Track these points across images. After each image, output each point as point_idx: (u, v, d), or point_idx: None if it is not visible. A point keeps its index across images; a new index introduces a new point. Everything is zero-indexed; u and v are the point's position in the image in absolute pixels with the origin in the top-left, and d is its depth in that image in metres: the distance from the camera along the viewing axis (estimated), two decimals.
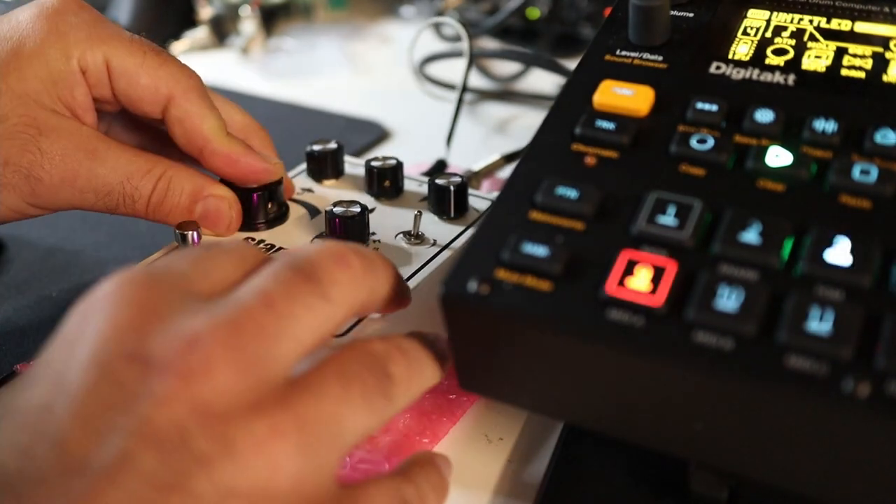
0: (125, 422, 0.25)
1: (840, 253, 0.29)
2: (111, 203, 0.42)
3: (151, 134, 0.47)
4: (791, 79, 0.37)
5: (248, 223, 0.44)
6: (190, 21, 0.86)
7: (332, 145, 0.48)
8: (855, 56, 0.37)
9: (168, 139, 0.45)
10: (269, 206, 0.44)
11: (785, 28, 0.39)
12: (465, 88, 0.62)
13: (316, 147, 0.48)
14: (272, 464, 0.26)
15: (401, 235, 0.43)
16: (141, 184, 0.41)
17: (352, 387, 0.28)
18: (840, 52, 0.38)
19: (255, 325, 0.27)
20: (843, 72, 0.37)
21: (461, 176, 0.45)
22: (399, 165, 0.47)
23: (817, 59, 0.38)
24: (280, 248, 0.42)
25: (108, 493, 0.23)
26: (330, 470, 0.27)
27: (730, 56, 0.38)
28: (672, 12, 0.40)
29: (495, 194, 0.47)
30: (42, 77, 0.41)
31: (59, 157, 0.40)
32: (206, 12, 0.85)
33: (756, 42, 0.39)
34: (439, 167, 0.58)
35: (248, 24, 0.84)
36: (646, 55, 0.39)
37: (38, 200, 0.41)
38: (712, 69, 0.38)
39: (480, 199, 0.46)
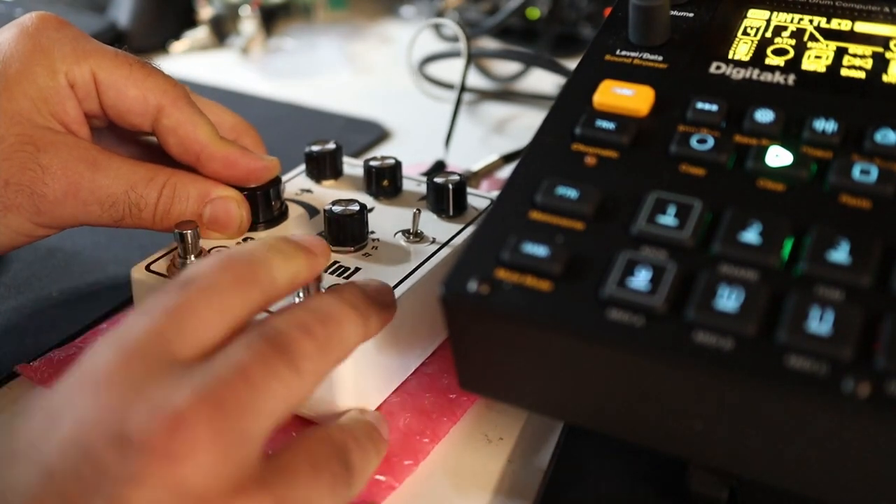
0: (102, 501, 0.25)
1: (840, 253, 0.29)
2: (117, 214, 0.41)
3: (141, 148, 0.47)
4: (791, 79, 0.37)
5: None
6: (190, 21, 0.86)
7: (331, 146, 0.48)
8: (855, 56, 0.37)
9: (158, 152, 0.45)
10: (275, 204, 0.44)
11: (785, 28, 0.39)
12: (463, 88, 0.62)
13: (315, 147, 0.48)
14: None
15: (400, 234, 0.43)
16: (146, 192, 0.41)
17: (321, 473, 0.30)
18: (840, 52, 0.38)
19: (235, 400, 0.28)
20: (843, 72, 0.37)
21: (460, 174, 0.45)
22: (398, 165, 0.47)
23: (817, 59, 0.38)
24: None
25: None
26: None
27: (730, 56, 0.38)
28: (672, 12, 0.40)
29: (495, 193, 0.47)
30: (32, 95, 0.40)
31: (60, 171, 0.40)
32: (206, 12, 0.85)
33: (756, 42, 0.39)
34: (438, 168, 0.58)
35: (248, 24, 0.84)
36: (646, 55, 0.39)
37: (44, 219, 0.41)
38: (712, 69, 0.38)
39: (479, 197, 0.46)
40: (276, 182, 0.44)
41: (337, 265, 0.41)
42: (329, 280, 0.39)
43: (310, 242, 0.35)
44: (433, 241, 0.43)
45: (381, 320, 0.35)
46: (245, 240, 0.43)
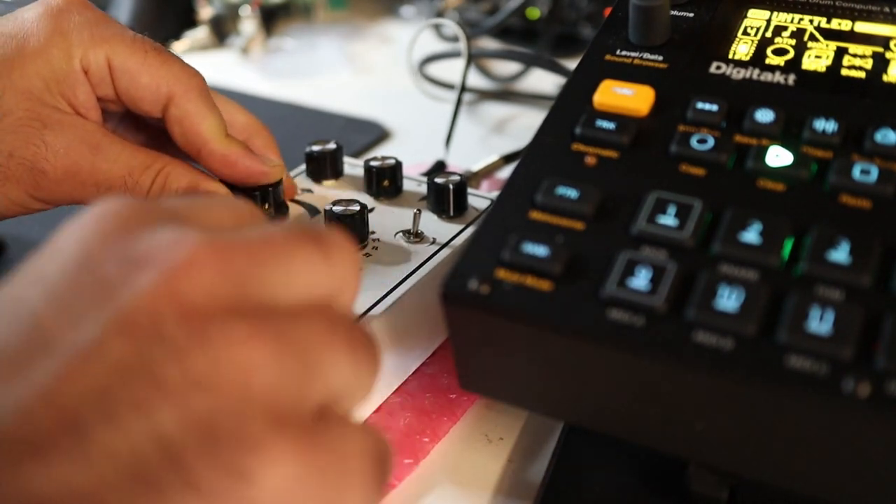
0: (101, 310, 0.24)
1: (840, 253, 0.29)
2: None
3: (156, 134, 0.47)
4: (791, 79, 0.37)
5: None
6: (190, 21, 0.86)
7: (332, 146, 0.48)
8: (855, 56, 0.37)
9: (170, 140, 0.45)
10: (266, 207, 0.44)
11: (785, 28, 0.39)
12: (463, 88, 0.62)
13: (315, 147, 0.48)
14: (247, 366, 0.25)
15: (400, 234, 0.43)
16: (141, 179, 0.42)
17: (338, 333, 0.27)
18: (840, 52, 0.38)
19: (248, 249, 0.26)
20: (844, 72, 0.37)
21: (460, 175, 0.45)
22: (398, 165, 0.47)
23: (817, 58, 0.38)
24: None
25: (74, 376, 0.23)
26: (306, 401, 0.26)
27: (730, 56, 0.38)
28: (672, 12, 0.40)
29: (495, 193, 0.47)
30: (44, 75, 0.41)
31: (63, 150, 0.41)
32: (206, 12, 0.85)
33: (756, 42, 0.39)
34: (438, 168, 0.58)
35: (248, 24, 0.84)
36: (646, 55, 0.39)
37: (41, 193, 0.42)
38: (712, 69, 0.38)
39: (479, 197, 0.46)
40: (274, 186, 0.44)
41: None
42: None
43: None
44: (433, 242, 0.43)
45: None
46: None
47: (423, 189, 0.47)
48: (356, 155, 0.63)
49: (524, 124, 0.70)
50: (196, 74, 0.44)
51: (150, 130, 0.47)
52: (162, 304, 0.24)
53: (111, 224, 0.26)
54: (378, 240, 0.43)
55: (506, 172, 0.59)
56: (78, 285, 0.25)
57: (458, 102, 0.61)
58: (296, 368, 0.26)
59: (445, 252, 0.42)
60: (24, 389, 0.23)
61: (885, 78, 0.36)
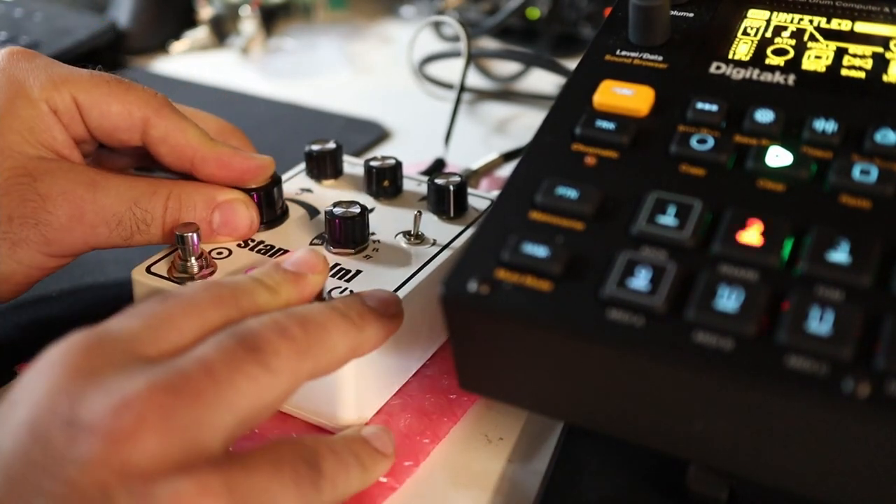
0: (51, 485, 0.25)
1: (840, 253, 0.29)
2: (125, 233, 0.41)
3: (133, 165, 0.47)
4: (791, 79, 0.37)
5: None
6: (190, 21, 0.86)
7: (331, 145, 0.48)
8: (855, 56, 0.37)
9: (150, 167, 0.45)
10: (276, 203, 0.44)
11: (785, 28, 0.39)
12: (463, 88, 0.62)
13: (315, 147, 0.48)
14: None
15: (400, 235, 0.43)
16: (150, 206, 0.41)
17: (283, 469, 0.29)
18: (840, 52, 0.38)
19: (190, 390, 0.28)
20: (843, 72, 0.37)
21: (460, 175, 0.45)
22: (398, 165, 0.47)
23: (817, 59, 0.38)
24: (279, 249, 0.42)
25: None
26: None
27: (730, 56, 0.38)
28: (672, 12, 0.40)
29: (495, 193, 0.47)
30: (17, 128, 0.40)
31: (60, 197, 0.39)
32: (206, 12, 0.85)
33: (756, 42, 0.39)
34: (438, 166, 0.58)
35: (248, 24, 0.84)
36: (646, 55, 0.39)
37: (54, 248, 0.40)
38: (712, 69, 0.38)
39: (480, 198, 0.46)
40: (277, 182, 0.44)
41: (338, 267, 0.41)
42: (329, 283, 0.39)
43: (304, 263, 0.36)
44: (434, 243, 0.43)
45: (380, 332, 0.35)
46: (246, 241, 0.43)
47: (423, 189, 0.47)
48: (356, 155, 0.63)
49: (524, 124, 0.70)
50: (158, 94, 0.43)
51: (125, 164, 0.46)
52: (108, 474, 0.26)
53: (60, 377, 0.28)
54: (378, 241, 0.43)
55: (505, 171, 0.59)
56: (28, 458, 0.26)
57: (458, 101, 0.61)
58: None
59: (446, 254, 0.42)
60: None
61: (885, 78, 0.36)
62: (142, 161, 0.46)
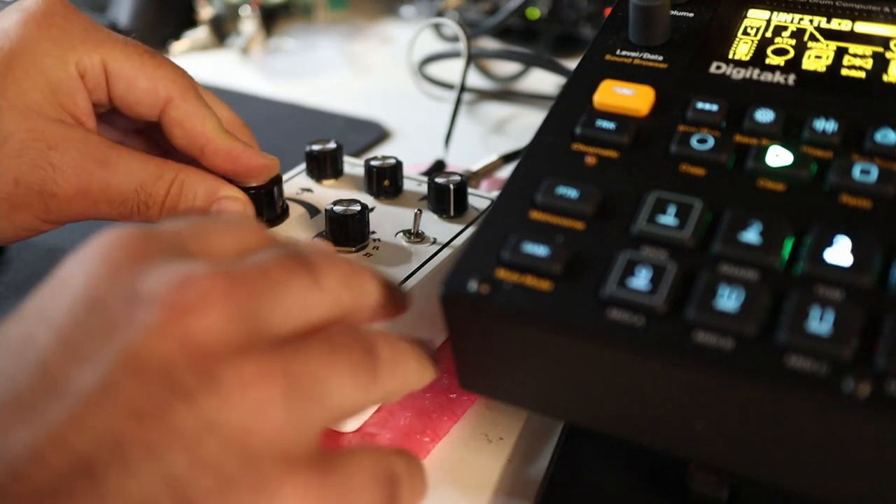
0: (110, 351, 0.24)
1: (840, 253, 0.29)
2: (125, 211, 0.41)
3: (142, 136, 0.47)
4: (791, 79, 0.37)
5: None
6: (190, 21, 0.86)
7: (332, 145, 0.48)
8: (855, 56, 0.37)
9: (155, 140, 0.44)
10: (276, 202, 0.44)
11: (785, 28, 0.39)
12: (463, 88, 0.62)
13: (315, 147, 0.48)
14: (257, 406, 0.25)
15: (401, 234, 0.43)
16: (154, 189, 0.41)
17: (339, 354, 0.28)
18: (840, 52, 0.38)
19: (250, 283, 0.27)
20: (844, 72, 0.37)
21: (461, 175, 0.45)
22: (398, 165, 0.47)
23: (817, 58, 0.38)
24: None
25: (85, 419, 0.23)
26: (313, 431, 0.27)
27: (730, 56, 0.38)
28: (672, 12, 0.40)
29: (495, 193, 0.47)
30: (41, 87, 0.39)
31: (71, 171, 0.39)
32: (206, 12, 0.85)
33: (756, 42, 0.39)
34: (438, 167, 0.58)
35: (248, 24, 0.84)
36: (646, 55, 0.39)
37: (52, 216, 0.40)
38: (712, 69, 0.38)
39: (480, 197, 0.46)
40: (278, 181, 0.44)
41: None
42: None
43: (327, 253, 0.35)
44: (434, 242, 0.43)
45: (398, 302, 0.33)
46: None
47: (424, 189, 0.47)
48: (356, 155, 0.63)
49: (524, 124, 0.70)
50: (187, 75, 0.43)
51: (133, 133, 0.47)
52: (170, 345, 0.25)
53: (116, 257, 0.26)
54: (378, 240, 0.43)
55: (505, 172, 0.59)
56: (85, 325, 0.25)
57: (458, 101, 0.61)
58: (304, 404, 0.26)
59: (446, 252, 0.42)
60: (36, 433, 0.23)
61: (885, 78, 0.36)
62: (149, 138, 0.46)
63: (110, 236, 0.27)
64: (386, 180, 0.46)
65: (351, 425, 0.38)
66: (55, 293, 0.26)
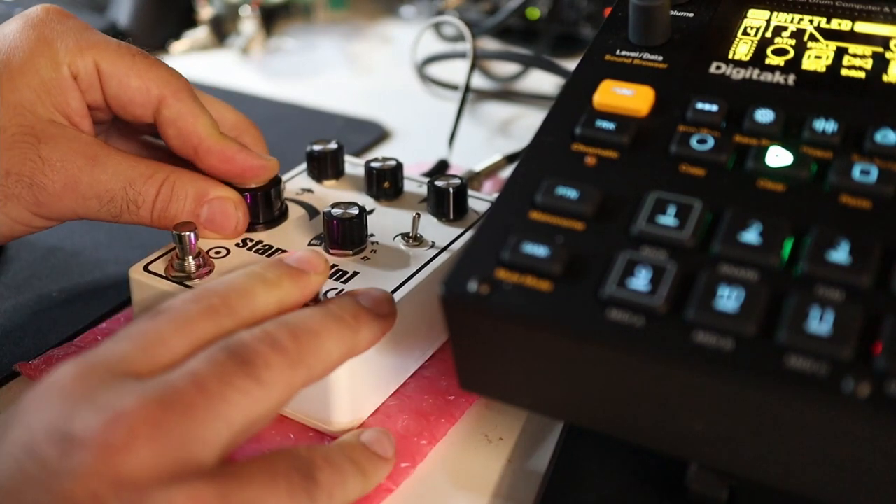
0: (46, 498, 0.26)
1: (840, 253, 0.29)
2: (115, 210, 0.41)
3: (143, 144, 0.47)
4: (791, 79, 0.37)
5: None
6: (190, 21, 0.86)
7: (333, 145, 0.48)
8: (855, 56, 0.37)
9: (161, 149, 0.45)
10: (273, 204, 0.44)
11: (785, 28, 0.39)
12: (467, 89, 0.62)
13: (316, 147, 0.48)
14: None
15: (399, 237, 0.43)
16: (144, 189, 0.41)
17: (278, 480, 0.30)
18: (840, 52, 0.38)
19: (182, 404, 0.28)
20: (844, 72, 0.37)
21: (460, 177, 0.45)
22: (399, 167, 0.47)
23: (817, 59, 0.38)
24: (278, 249, 0.42)
25: None
26: None
27: (730, 56, 0.38)
28: (672, 12, 0.40)
29: (496, 195, 0.47)
30: (34, 87, 0.40)
31: (59, 164, 0.40)
32: (206, 12, 0.85)
33: (756, 42, 0.39)
34: (441, 167, 0.58)
35: (248, 24, 0.84)
36: (646, 55, 0.39)
37: (43, 210, 0.41)
38: (712, 69, 0.38)
39: (480, 200, 0.46)
40: (276, 182, 0.44)
41: (335, 269, 0.40)
42: (326, 284, 0.39)
43: (305, 262, 0.36)
44: (432, 245, 0.42)
45: (375, 332, 0.35)
46: (245, 241, 0.43)
47: (424, 191, 0.47)
48: (356, 155, 0.63)
49: (525, 124, 0.70)
50: (181, 76, 0.43)
51: (136, 141, 0.47)
52: (102, 485, 0.26)
53: (56, 398, 0.28)
54: (377, 243, 0.43)
55: (508, 172, 0.59)
56: (23, 474, 0.26)
57: (463, 102, 0.61)
58: None
59: (444, 256, 0.42)
60: None
61: (885, 78, 0.36)
62: (151, 145, 0.47)
63: (51, 378, 0.29)
64: (386, 182, 0.46)
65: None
66: (2, 439, 0.28)
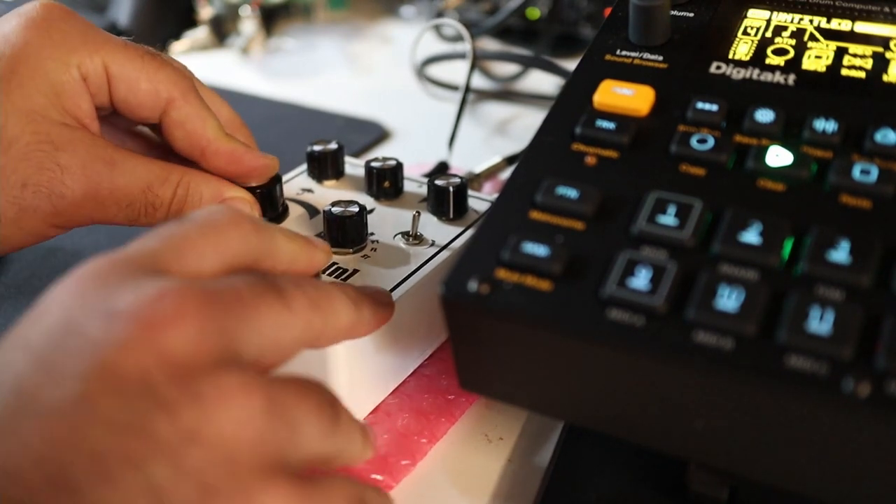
0: (86, 367, 0.24)
1: (840, 253, 0.29)
2: (132, 214, 0.41)
3: (136, 136, 0.46)
4: (791, 79, 0.37)
5: None
6: (190, 21, 0.86)
7: (333, 146, 0.48)
8: (855, 56, 0.37)
9: (152, 139, 0.44)
10: (274, 202, 0.44)
11: (785, 28, 0.39)
12: (467, 89, 0.62)
13: (317, 147, 0.48)
14: (237, 417, 0.25)
15: (399, 236, 0.43)
16: (161, 192, 0.40)
17: (310, 397, 0.29)
18: (840, 52, 0.38)
19: (222, 301, 0.27)
20: (844, 72, 0.37)
21: (460, 177, 0.45)
22: (399, 166, 0.47)
23: (817, 58, 0.38)
24: None
25: (62, 435, 0.23)
26: (294, 451, 0.27)
27: (730, 56, 0.38)
28: (672, 12, 0.40)
29: (496, 195, 0.47)
30: (45, 91, 0.39)
31: (79, 171, 0.39)
32: (206, 12, 0.85)
33: (756, 42, 0.39)
34: (441, 169, 0.58)
35: (248, 24, 0.84)
36: (646, 55, 0.39)
37: (60, 220, 0.40)
38: (712, 69, 0.38)
39: (480, 200, 0.46)
40: (278, 180, 0.44)
41: (335, 266, 0.41)
42: (326, 281, 0.39)
43: (313, 239, 0.36)
44: (432, 244, 0.43)
45: (376, 316, 0.35)
46: None
47: (424, 191, 0.47)
48: (356, 155, 0.63)
49: (525, 125, 0.70)
50: (188, 74, 0.43)
51: (133, 136, 0.46)
52: (148, 358, 0.25)
53: (90, 283, 0.27)
54: (377, 241, 0.43)
55: (508, 174, 0.59)
56: (61, 346, 0.25)
57: (463, 102, 0.61)
58: (281, 424, 0.27)
59: (444, 254, 0.42)
60: (12, 450, 0.23)
61: (885, 78, 0.36)
62: (148, 141, 0.46)
63: (84, 266, 0.28)
64: (386, 182, 0.46)
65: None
66: (34, 322, 0.27)
